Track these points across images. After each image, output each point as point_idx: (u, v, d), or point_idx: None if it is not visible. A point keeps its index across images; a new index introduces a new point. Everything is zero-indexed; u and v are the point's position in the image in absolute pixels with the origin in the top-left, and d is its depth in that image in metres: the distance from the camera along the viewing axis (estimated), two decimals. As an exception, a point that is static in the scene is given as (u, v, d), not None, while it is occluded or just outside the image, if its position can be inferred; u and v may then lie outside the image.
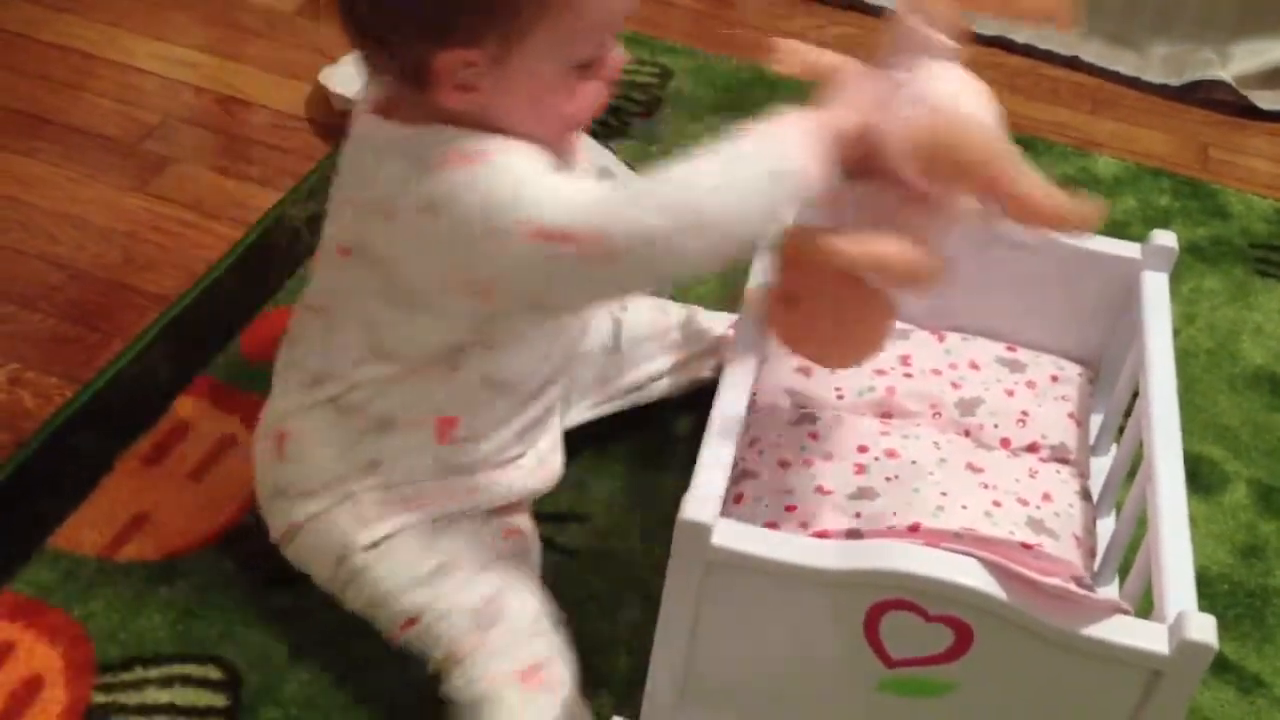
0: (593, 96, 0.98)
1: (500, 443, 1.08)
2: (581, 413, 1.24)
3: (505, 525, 1.10)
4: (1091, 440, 1.23)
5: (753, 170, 0.88)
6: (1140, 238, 1.16)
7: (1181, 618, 0.86)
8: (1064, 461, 1.12)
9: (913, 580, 0.88)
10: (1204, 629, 0.86)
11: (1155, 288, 1.15)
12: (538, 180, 0.92)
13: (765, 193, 0.88)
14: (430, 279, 0.97)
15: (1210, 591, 1.18)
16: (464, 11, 0.89)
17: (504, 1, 0.89)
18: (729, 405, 0.99)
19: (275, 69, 1.74)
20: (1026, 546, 0.89)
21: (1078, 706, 0.92)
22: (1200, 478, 1.28)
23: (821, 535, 0.97)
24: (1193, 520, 1.23)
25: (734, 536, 0.90)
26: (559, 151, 1.00)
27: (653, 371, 1.28)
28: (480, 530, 1.07)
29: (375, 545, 1.04)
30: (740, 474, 1.08)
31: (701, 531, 0.89)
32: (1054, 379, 1.17)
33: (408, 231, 0.95)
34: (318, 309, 1.07)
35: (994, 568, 0.88)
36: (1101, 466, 1.20)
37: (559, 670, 1.03)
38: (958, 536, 0.91)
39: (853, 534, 0.94)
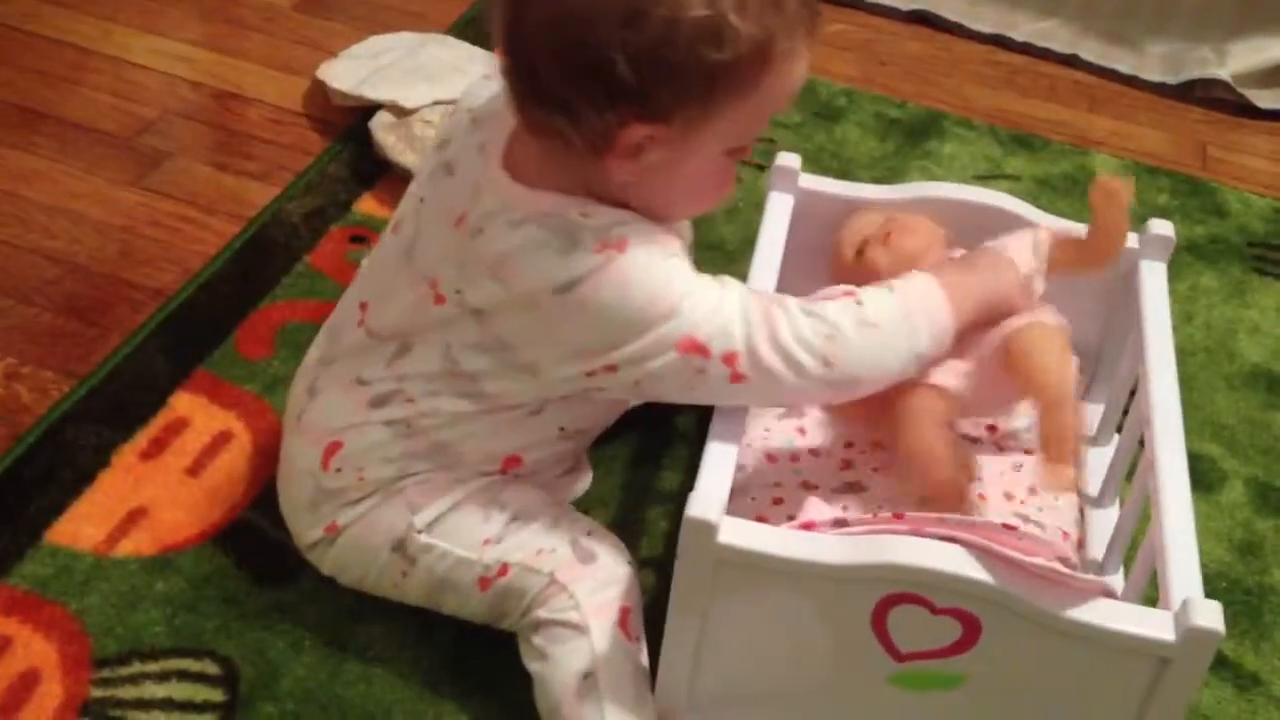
0: (733, 178, 0.99)
1: (554, 471, 1.11)
2: None
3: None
4: (1093, 431, 1.23)
5: (907, 347, 0.98)
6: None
7: (1187, 605, 0.87)
8: None
9: (920, 573, 0.88)
10: (1210, 615, 0.86)
11: (1153, 277, 1.15)
12: (687, 284, 0.95)
13: (905, 368, 0.99)
14: (545, 351, 0.98)
15: (1208, 589, 1.17)
16: (664, 86, 0.88)
17: (705, 80, 0.88)
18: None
19: (273, 64, 1.74)
20: (1009, 528, 0.90)
21: (1087, 696, 0.92)
22: (1198, 476, 1.27)
23: (808, 526, 0.97)
24: (1190, 518, 1.23)
25: (740, 534, 0.90)
26: (681, 228, 1.02)
27: None
28: (534, 487, 1.08)
29: (434, 524, 1.04)
30: None
31: (708, 530, 0.89)
32: None
33: (532, 305, 0.95)
34: (389, 335, 1.05)
35: (992, 556, 0.88)
36: (1103, 457, 1.20)
37: (641, 622, 1.03)
38: (941, 521, 0.91)
39: (839, 523, 0.94)
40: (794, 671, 0.97)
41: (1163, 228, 1.16)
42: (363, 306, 1.08)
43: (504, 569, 1.03)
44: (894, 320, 0.97)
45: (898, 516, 0.93)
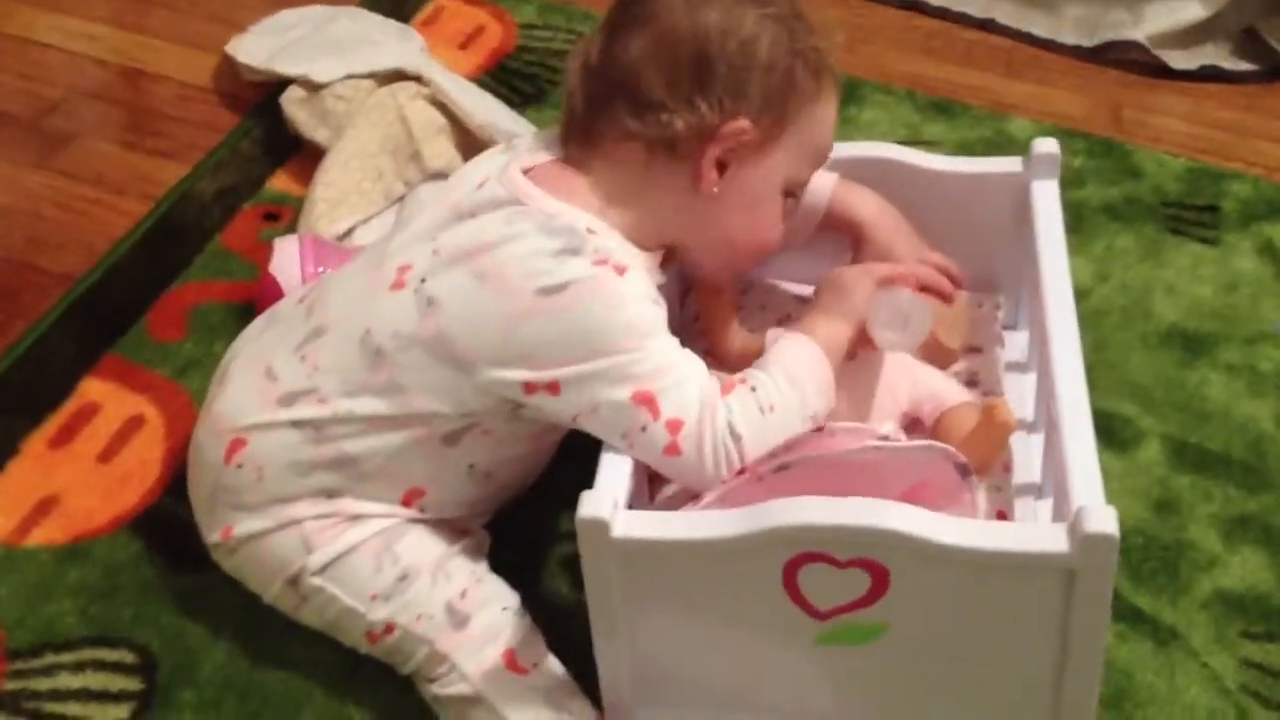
0: (780, 235, 1.06)
1: (461, 514, 1.07)
2: None
3: (457, 525, 1.08)
4: (1024, 357, 1.24)
5: (800, 416, 0.98)
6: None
7: (1079, 514, 0.87)
8: (972, 385, 1.17)
9: (810, 531, 0.88)
10: (1102, 520, 0.86)
11: (1045, 196, 1.17)
12: (662, 333, 0.97)
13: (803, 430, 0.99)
14: (490, 348, 0.96)
15: (1125, 546, 1.18)
16: (755, 82, 0.99)
17: (791, 86, 1.00)
18: None
19: (180, 40, 1.70)
20: (819, 430, 0.91)
21: (1008, 623, 0.93)
22: (1114, 434, 1.29)
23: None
24: (1107, 476, 1.23)
25: (634, 526, 0.90)
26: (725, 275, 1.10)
27: None
28: (434, 529, 1.05)
29: (328, 567, 1.02)
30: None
31: (601, 527, 0.89)
32: None
33: (504, 297, 0.95)
34: (317, 324, 1.03)
35: (824, 465, 0.88)
36: (1030, 382, 1.21)
37: (540, 648, 1.03)
38: (772, 456, 0.92)
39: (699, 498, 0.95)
40: (726, 650, 0.97)
41: (1047, 145, 1.18)
42: (318, 287, 1.08)
43: (389, 628, 1.02)
44: (787, 397, 0.98)
45: (739, 471, 0.94)
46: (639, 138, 0.99)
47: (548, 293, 0.94)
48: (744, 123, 0.99)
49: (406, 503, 1.04)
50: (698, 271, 1.12)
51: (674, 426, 0.95)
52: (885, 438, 0.88)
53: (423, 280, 0.99)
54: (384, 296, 1.00)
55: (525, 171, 1.01)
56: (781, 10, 1.02)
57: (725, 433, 0.96)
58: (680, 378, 0.96)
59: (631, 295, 0.96)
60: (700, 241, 1.04)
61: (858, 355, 1.11)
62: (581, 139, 1.02)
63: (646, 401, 0.95)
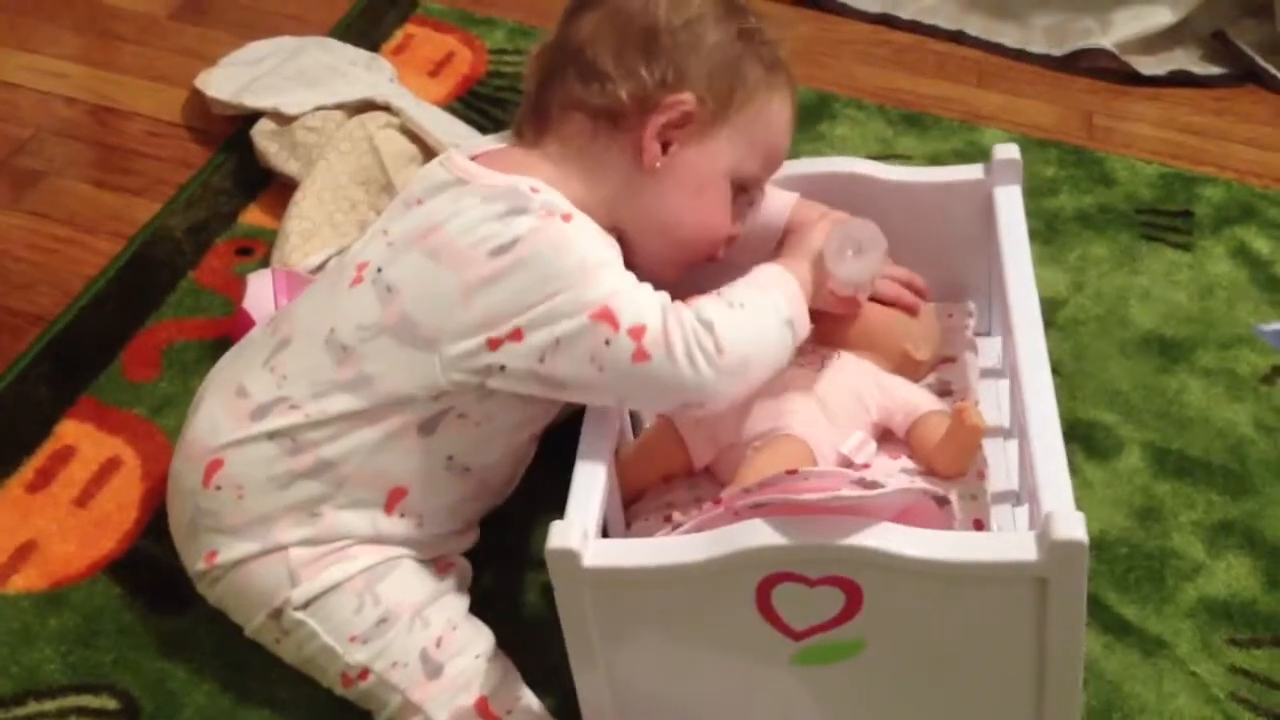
0: (727, 228, 1.08)
1: (444, 523, 1.07)
2: None
3: (441, 560, 1.08)
4: (998, 363, 1.24)
5: (775, 316, 1.01)
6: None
7: (1047, 520, 0.87)
8: (946, 394, 1.18)
9: (780, 551, 0.88)
10: (1070, 526, 0.86)
11: (1008, 202, 1.17)
12: (615, 264, 0.99)
13: (783, 337, 1.02)
14: (451, 320, 0.97)
15: (1109, 555, 1.20)
16: (699, 61, 1.02)
17: (737, 71, 1.03)
18: (596, 429, 0.99)
19: (150, 75, 1.70)
20: (791, 472, 0.90)
21: (985, 634, 0.92)
22: (1094, 443, 1.29)
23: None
24: (1089, 485, 1.25)
25: (604, 555, 0.90)
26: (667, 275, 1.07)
27: None
28: (418, 568, 1.05)
29: (310, 602, 1.01)
30: (632, 496, 1.08)
31: (572, 558, 0.89)
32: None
33: (460, 268, 0.96)
34: (283, 337, 1.04)
35: (798, 508, 0.87)
36: (1006, 389, 1.21)
37: (516, 689, 1.02)
38: (746, 492, 0.91)
39: (676, 526, 0.95)
40: (706, 674, 0.97)
41: (1008, 151, 1.19)
42: (286, 309, 1.09)
43: (364, 673, 1.01)
44: (754, 297, 1.01)
45: (716, 501, 0.93)
46: (584, 107, 1.02)
47: (500, 252, 0.96)
48: (686, 95, 1.01)
49: (389, 507, 1.03)
50: (649, 266, 1.10)
51: (637, 332, 0.96)
52: (860, 480, 0.87)
53: (379, 270, 1.00)
54: (344, 295, 1.02)
55: (473, 158, 1.04)
56: None
57: (693, 323, 0.97)
58: (639, 295, 0.98)
59: (579, 236, 0.98)
60: (645, 223, 1.05)
61: (826, 365, 1.11)
62: (533, 118, 1.05)
63: (604, 316, 0.96)
